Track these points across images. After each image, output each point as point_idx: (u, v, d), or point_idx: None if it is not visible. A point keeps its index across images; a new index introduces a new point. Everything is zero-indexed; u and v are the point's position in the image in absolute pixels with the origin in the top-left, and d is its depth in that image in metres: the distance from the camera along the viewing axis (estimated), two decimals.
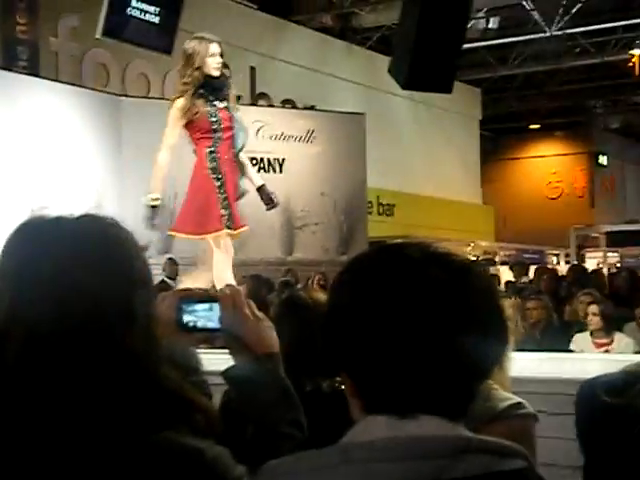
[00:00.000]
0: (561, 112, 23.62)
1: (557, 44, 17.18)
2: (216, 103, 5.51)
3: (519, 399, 2.40)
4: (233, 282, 5.35)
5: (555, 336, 7.05)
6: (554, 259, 19.13)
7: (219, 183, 5.47)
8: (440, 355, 1.13)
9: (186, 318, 1.62)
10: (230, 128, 5.55)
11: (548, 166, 25.17)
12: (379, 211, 18.07)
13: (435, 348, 1.13)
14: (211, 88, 5.51)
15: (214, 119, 5.48)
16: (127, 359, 1.23)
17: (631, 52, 17.59)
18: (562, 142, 25.11)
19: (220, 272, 5.52)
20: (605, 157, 24.78)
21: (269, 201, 5.78)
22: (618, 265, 16.74)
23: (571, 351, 6.45)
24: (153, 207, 5.47)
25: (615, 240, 19.71)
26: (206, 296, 1.66)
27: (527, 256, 19.26)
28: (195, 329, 1.62)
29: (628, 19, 15.73)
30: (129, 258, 1.29)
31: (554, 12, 15.41)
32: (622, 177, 25.80)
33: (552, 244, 20.32)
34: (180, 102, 5.45)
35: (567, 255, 19.52)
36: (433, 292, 1.15)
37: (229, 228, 5.48)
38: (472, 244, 18.58)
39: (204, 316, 1.62)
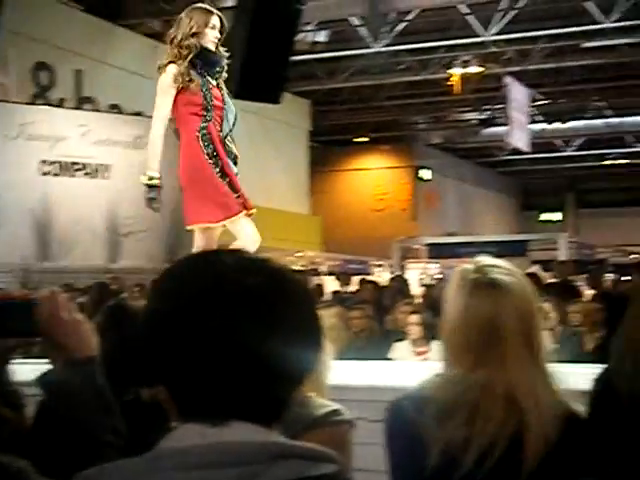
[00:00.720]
0: (386, 126, 24.26)
1: (383, 60, 17.65)
2: (209, 78, 4.99)
3: (336, 406, 2.44)
4: None
5: (378, 345, 7.21)
6: (378, 270, 19.59)
7: (218, 169, 4.95)
8: (249, 362, 1.13)
9: None
10: (221, 108, 5.02)
11: (374, 179, 25.77)
12: None
13: (244, 355, 1.13)
14: (206, 61, 4.99)
15: (207, 94, 4.95)
16: None
17: (449, 71, 18.31)
18: (387, 156, 25.78)
19: None
20: (427, 171, 25.59)
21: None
22: (438, 276, 17.34)
23: (391, 359, 6.63)
24: (151, 186, 4.94)
25: (435, 252, 20.42)
26: (21, 299, 1.58)
27: (352, 266, 19.65)
28: (9, 333, 1.54)
29: (449, 39, 16.39)
30: None
31: (380, 29, 15.82)
32: (443, 191, 26.74)
33: (377, 255, 20.80)
34: (173, 67, 4.91)
35: (391, 266, 20.04)
36: (244, 299, 1.15)
37: (246, 209, 5.11)
38: (299, 254, 18.76)
39: (19, 320, 1.53)
